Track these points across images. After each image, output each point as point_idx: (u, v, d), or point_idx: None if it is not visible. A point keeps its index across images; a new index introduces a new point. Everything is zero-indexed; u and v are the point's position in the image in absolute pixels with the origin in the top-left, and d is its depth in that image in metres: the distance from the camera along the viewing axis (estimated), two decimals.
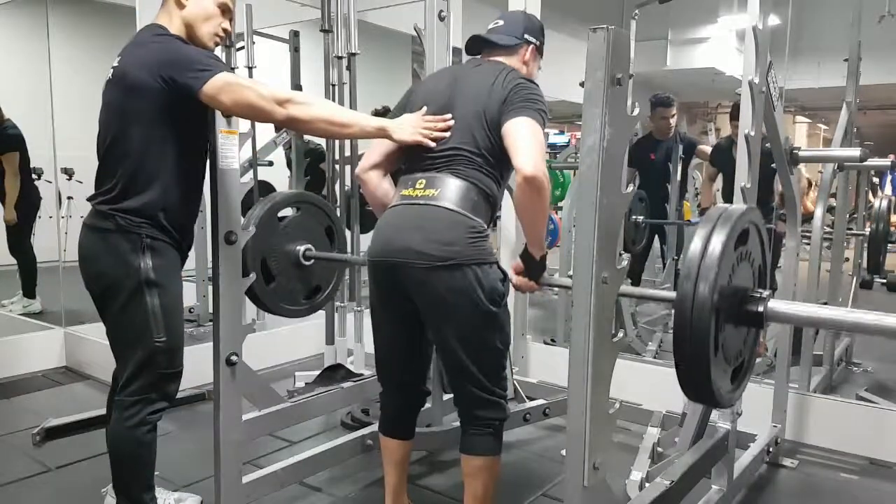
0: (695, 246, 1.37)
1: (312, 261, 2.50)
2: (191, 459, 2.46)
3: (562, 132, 13.20)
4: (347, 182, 3.36)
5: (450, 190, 1.81)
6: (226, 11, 2.00)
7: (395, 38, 5.24)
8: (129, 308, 1.87)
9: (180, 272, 2.01)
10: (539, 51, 2.06)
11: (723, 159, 4.10)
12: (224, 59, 3.73)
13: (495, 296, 1.81)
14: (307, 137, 4.18)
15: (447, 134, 1.87)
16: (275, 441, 2.78)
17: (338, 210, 3.31)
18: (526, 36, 2.02)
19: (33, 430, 2.80)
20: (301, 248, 2.47)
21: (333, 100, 3.21)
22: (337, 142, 3.28)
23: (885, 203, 3.71)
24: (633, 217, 4.21)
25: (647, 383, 2.98)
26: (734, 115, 3.80)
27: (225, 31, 2.01)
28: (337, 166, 3.33)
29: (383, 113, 4.94)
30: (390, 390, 2.07)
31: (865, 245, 3.92)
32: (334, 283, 2.68)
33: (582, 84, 1.37)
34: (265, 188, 4.56)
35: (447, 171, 1.84)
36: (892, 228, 3.68)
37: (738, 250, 1.44)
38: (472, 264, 1.76)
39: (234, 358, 1.97)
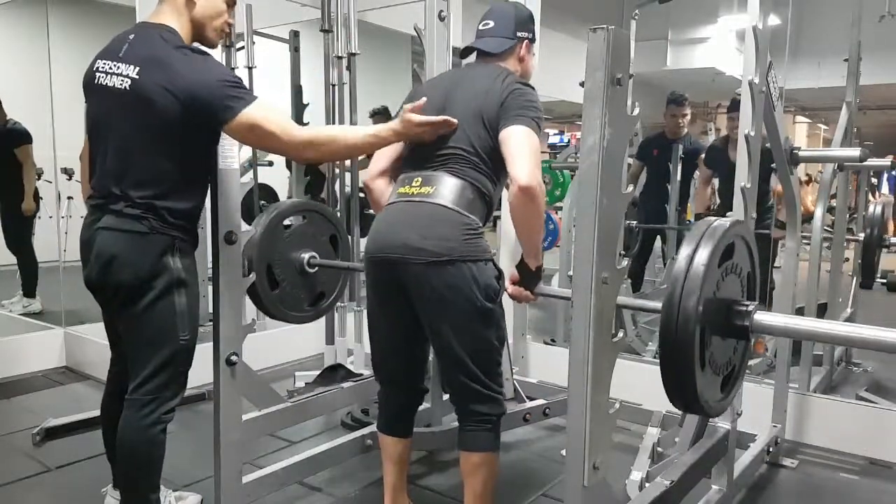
0: (679, 262, 1.37)
1: (317, 268, 2.51)
2: (191, 459, 2.45)
3: (562, 132, 13.20)
4: (347, 184, 3.36)
5: (446, 188, 1.83)
6: (231, 5, 2.00)
7: (395, 38, 5.24)
8: (157, 307, 1.85)
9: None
10: (532, 41, 2.07)
11: (717, 159, 4.00)
12: (224, 60, 3.74)
13: (490, 292, 1.82)
14: None
15: (454, 122, 1.87)
16: (275, 441, 2.78)
17: (338, 213, 3.31)
18: (518, 33, 2.03)
19: (33, 430, 2.80)
20: (306, 256, 2.49)
21: (333, 100, 3.21)
22: None
23: (878, 209, 3.68)
24: (627, 222, 4.14)
25: (647, 383, 2.97)
26: (731, 109, 3.75)
27: (229, 24, 2.00)
28: (337, 168, 3.33)
29: (381, 112, 4.96)
30: (388, 388, 2.07)
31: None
32: (338, 289, 2.69)
33: (582, 84, 1.37)
34: (266, 192, 4.55)
35: (444, 169, 1.86)
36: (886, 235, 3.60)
37: (724, 265, 1.43)
38: (468, 261, 1.78)
39: (234, 358, 1.98)
